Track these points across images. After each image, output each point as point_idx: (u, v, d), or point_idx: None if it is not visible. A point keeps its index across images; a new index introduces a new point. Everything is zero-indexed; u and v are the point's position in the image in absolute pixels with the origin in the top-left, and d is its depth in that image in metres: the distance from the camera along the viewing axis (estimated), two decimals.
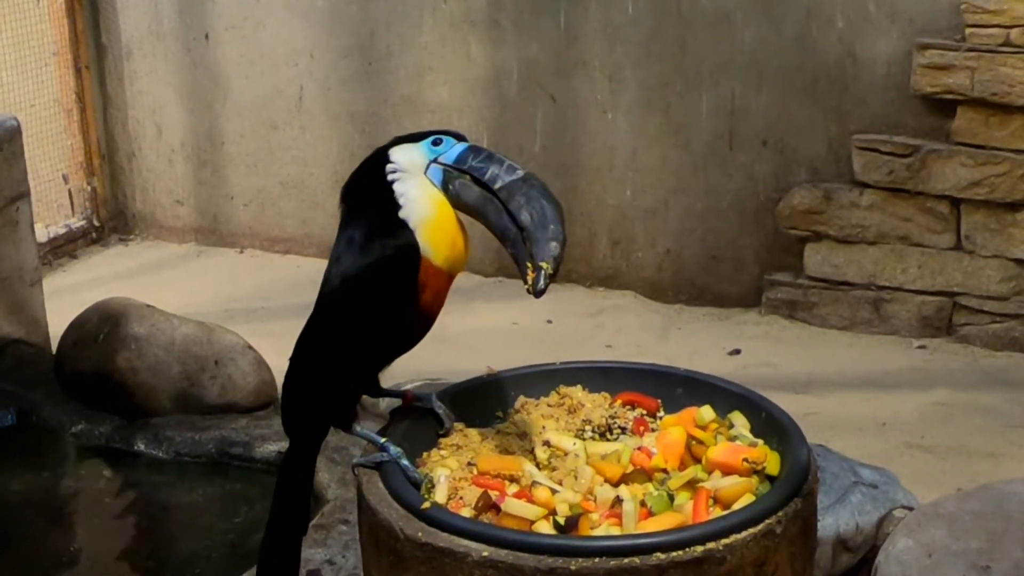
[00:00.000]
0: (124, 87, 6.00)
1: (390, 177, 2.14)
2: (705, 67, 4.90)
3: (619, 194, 5.16)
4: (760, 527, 1.92)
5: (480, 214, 2.13)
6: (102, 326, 3.91)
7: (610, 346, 4.69)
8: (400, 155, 2.15)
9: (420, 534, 1.94)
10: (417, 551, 1.94)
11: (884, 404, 4.17)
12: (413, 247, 2.08)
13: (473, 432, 2.25)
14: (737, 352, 4.65)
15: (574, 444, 2.19)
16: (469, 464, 2.15)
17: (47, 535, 3.41)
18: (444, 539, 1.92)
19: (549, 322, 4.99)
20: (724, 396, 2.31)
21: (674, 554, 1.86)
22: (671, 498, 2.03)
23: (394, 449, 2.12)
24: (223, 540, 3.36)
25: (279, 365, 3.68)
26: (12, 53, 5.59)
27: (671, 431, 2.20)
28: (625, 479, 2.10)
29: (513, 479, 2.09)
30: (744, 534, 1.90)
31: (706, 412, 2.24)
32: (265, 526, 2.32)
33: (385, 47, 5.41)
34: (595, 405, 2.32)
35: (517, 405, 2.34)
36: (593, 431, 2.26)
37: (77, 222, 5.99)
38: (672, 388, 2.36)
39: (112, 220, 6.16)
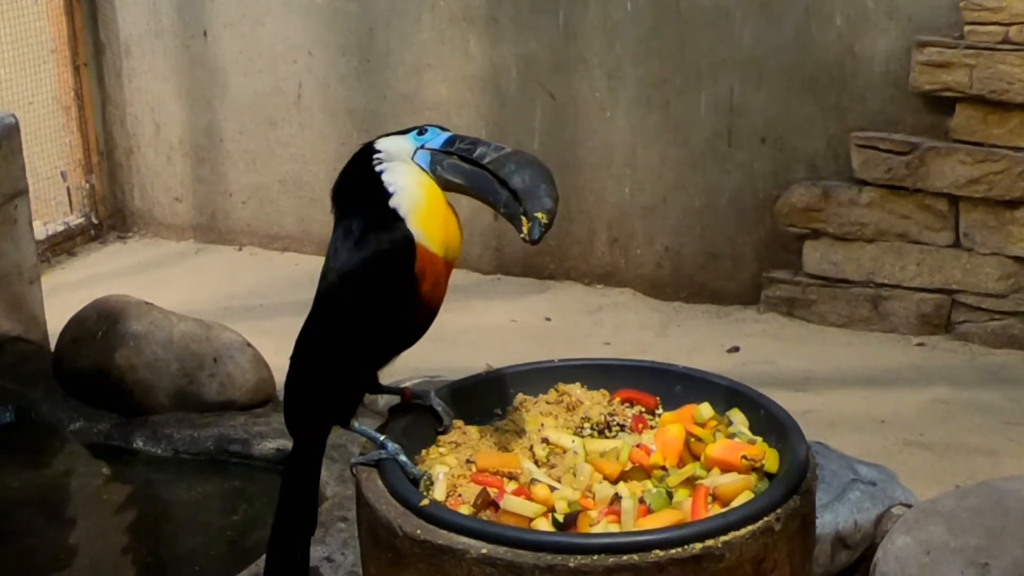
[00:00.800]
0: (122, 84, 6.00)
1: (378, 168, 2.16)
2: (704, 64, 4.90)
3: (618, 191, 5.16)
4: (759, 524, 1.92)
5: (471, 188, 2.15)
6: (101, 323, 3.91)
7: (609, 343, 4.69)
8: (387, 144, 2.19)
9: (419, 531, 1.94)
10: (416, 548, 1.94)
11: (883, 401, 4.17)
12: (408, 238, 2.09)
13: (472, 429, 2.25)
14: (736, 349, 4.65)
15: (573, 441, 2.19)
16: (468, 461, 2.15)
17: (45, 532, 3.41)
18: (443, 536, 1.92)
19: (548, 319, 4.99)
20: (723, 393, 2.31)
21: (673, 551, 1.86)
22: (670, 495, 2.03)
23: (392, 446, 2.12)
24: (221, 537, 3.36)
25: (278, 363, 3.70)
26: (10, 50, 5.58)
27: (670, 428, 2.20)
28: (624, 476, 2.10)
29: (512, 476, 2.09)
30: (743, 531, 1.91)
31: (705, 409, 2.25)
32: (272, 525, 2.30)
33: (384, 44, 5.41)
34: (594, 402, 2.32)
35: (516, 402, 2.34)
36: (592, 428, 2.27)
37: (75, 219, 5.99)
38: (671, 385, 2.36)
39: (111, 217, 6.16)
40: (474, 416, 2.30)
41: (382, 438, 2.14)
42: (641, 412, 2.32)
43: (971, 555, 2.71)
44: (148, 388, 3.81)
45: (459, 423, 2.26)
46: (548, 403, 2.33)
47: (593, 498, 2.04)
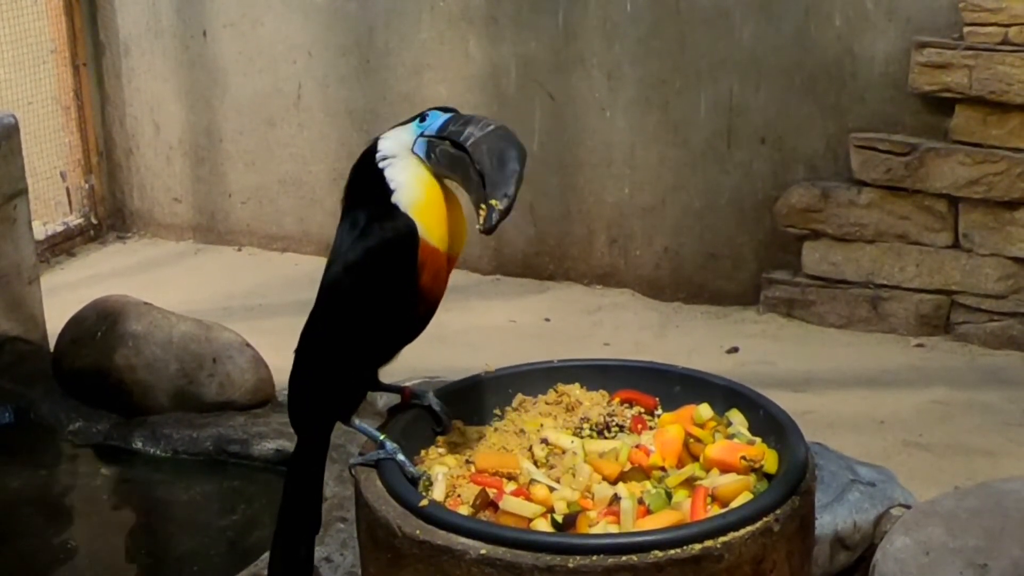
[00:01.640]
0: (122, 84, 6.00)
1: (380, 165, 2.16)
2: (704, 65, 4.90)
3: (617, 192, 5.16)
4: (758, 525, 1.93)
5: (456, 175, 2.13)
6: (100, 324, 3.90)
7: (608, 344, 4.69)
8: (387, 141, 2.19)
9: (418, 532, 1.94)
10: (415, 549, 1.94)
11: (882, 402, 4.17)
12: (411, 228, 2.09)
13: (471, 430, 2.25)
14: (735, 350, 4.65)
15: (572, 442, 2.19)
16: (467, 462, 2.15)
17: (45, 532, 3.41)
18: (442, 537, 1.92)
19: (547, 320, 4.99)
20: (722, 394, 2.31)
21: (672, 552, 1.86)
22: (669, 496, 2.03)
23: (391, 446, 2.12)
24: (221, 537, 3.36)
25: (277, 363, 3.70)
26: (10, 50, 5.58)
27: (669, 429, 2.20)
28: (623, 477, 2.10)
29: (511, 477, 2.09)
30: (742, 532, 1.91)
31: (704, 410, 2.25)
32: (276, 523, 2.30)
33: (383, 44, 5.41)
34: (593, 403, 2.32)
35: (515, 403, 2.34)
36: (591, 429, 2.27)
37: (75, 220, 5.98)
38: (670, 386, 2.36)
39: (110, 218, 6.16)
40: (473, 416, 2.31)
41: (381, 437, 2.14)
42: (640, 413, 2.32)
43: (970, 556, 2.71)
44: (147, 388, 3.81)
45: (458, 423, 2.26)
46: (547, 404, 2.33)
47: (592, 499, 2.04)
